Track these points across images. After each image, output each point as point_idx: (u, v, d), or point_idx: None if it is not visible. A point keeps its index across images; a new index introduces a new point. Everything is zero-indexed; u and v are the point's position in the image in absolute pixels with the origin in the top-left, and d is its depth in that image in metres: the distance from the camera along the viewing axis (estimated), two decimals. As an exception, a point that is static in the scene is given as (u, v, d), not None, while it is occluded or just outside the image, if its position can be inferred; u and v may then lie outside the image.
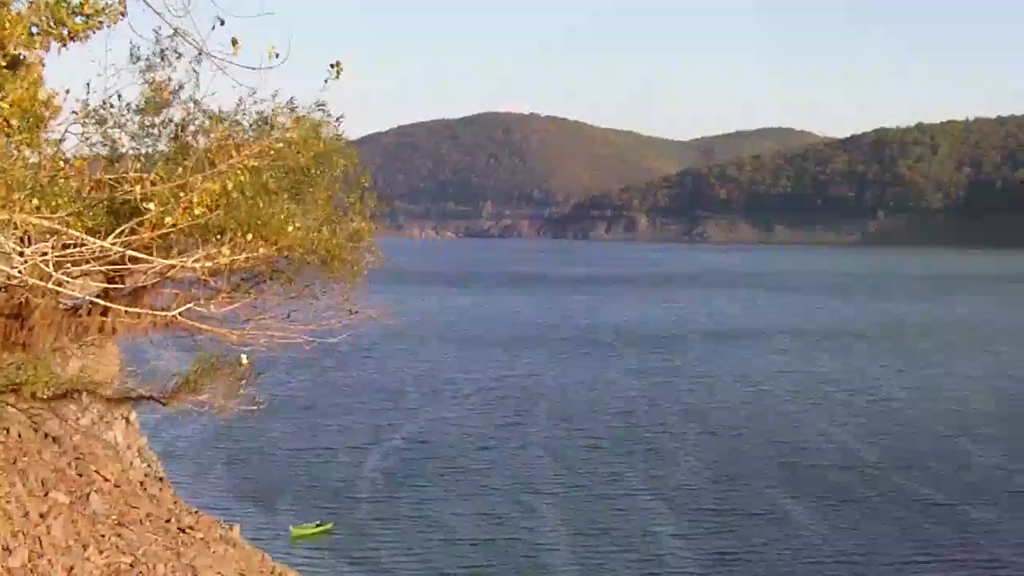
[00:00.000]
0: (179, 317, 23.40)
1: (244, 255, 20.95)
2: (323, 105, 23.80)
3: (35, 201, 16.24)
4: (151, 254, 19.72)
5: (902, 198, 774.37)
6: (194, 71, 21.27)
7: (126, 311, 23.45)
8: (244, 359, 27.10)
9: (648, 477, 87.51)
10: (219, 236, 21.12)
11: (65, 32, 15.52)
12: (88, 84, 19.77)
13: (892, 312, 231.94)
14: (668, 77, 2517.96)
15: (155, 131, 22.51)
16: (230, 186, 18.41)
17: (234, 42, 15.14)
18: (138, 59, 21.49)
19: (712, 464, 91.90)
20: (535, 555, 68.75)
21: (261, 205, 21.06)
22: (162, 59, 21.00)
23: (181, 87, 21.85)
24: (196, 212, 17.65)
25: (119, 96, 21.14)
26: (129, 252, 18.10)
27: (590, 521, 75.58)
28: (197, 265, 20.61)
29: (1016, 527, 74.74)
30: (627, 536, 72.42)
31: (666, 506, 79.34)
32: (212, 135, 22.30)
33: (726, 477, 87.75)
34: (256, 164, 19.34)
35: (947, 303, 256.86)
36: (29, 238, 18.03)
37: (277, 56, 15.51)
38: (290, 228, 21.71)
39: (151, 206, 17.21)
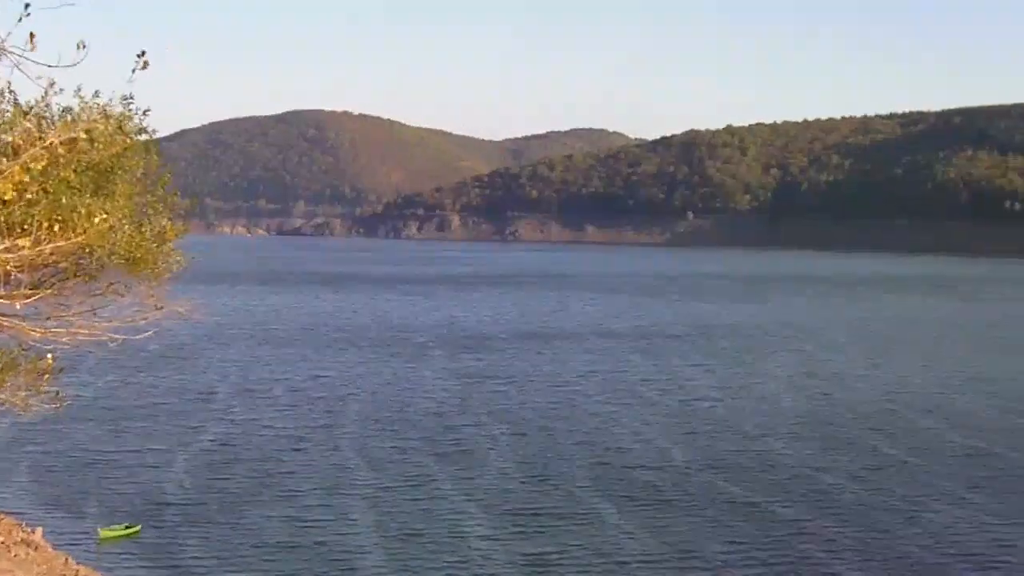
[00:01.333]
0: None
1: (48, 245, 20.38)
2: (130, 99, 23.21)
3: None
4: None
5: (711, 199, 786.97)
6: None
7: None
8: (49, 358, 26.35)
9: (459, 479, 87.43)
10: (22, 230, 20.54)
11: None
12: None
13: (701, 312, 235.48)
14: (481, 77, 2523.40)
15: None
16: (35, 173, 17.89)
17: (31, 36, 14.64)
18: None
19: (523, 465, 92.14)
20: (345, 558, 68.22)
21: (64, 200, 20.48)
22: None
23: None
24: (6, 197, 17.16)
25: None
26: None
27: (400, 523, 75.24)
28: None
29: (821, 525, 76.11)
30: (437, 538, 72.19)
31: (476, 507, 79.31)
32: (16, 130, 21.62)
33: (536, 478, 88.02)
34: (62, 152, 18.80)
35: (754, 303, 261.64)
36: None
37: (84, 47, 15.03)
38: (95, 221, 21.15)
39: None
